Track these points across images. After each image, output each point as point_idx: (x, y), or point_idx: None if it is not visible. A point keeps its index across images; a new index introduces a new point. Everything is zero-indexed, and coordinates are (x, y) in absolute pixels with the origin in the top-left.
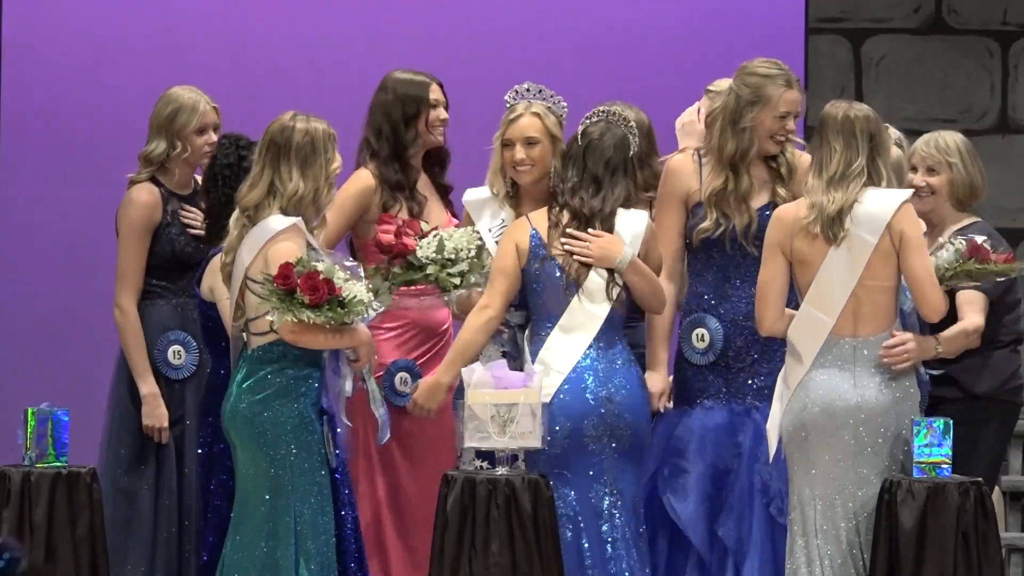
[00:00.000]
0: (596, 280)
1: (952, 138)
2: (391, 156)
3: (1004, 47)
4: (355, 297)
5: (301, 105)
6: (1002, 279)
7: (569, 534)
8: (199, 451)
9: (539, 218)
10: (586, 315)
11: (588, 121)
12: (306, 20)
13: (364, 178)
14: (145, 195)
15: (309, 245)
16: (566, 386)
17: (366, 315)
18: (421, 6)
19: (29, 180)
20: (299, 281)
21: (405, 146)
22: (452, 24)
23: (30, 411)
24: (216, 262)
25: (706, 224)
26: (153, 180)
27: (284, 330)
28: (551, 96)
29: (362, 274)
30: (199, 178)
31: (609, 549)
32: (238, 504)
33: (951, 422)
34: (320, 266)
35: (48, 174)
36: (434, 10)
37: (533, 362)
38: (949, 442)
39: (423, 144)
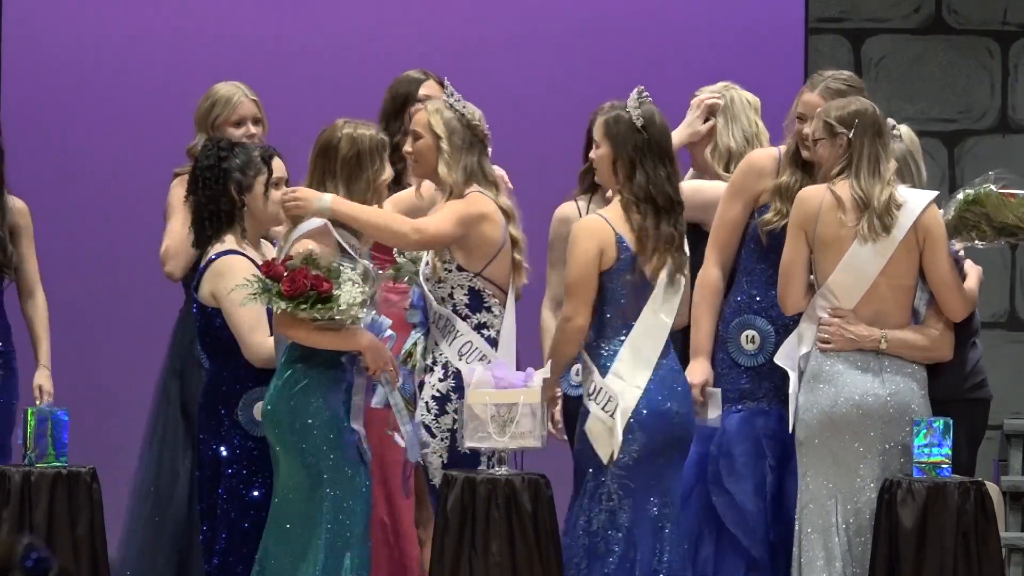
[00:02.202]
0: (667, 288)
1: None
2: None
3: (1004, 47)
4: (338, 297)
5: (300, 103)
6: (1015, 235)
7: (618, 548)
8: (210, 451)
9: (619, 220)
10: (659, 323)
11: (635, 107)
12: (309, 19)
13: None
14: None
15: (342, 248)
16: (645, 399)
17: (362, 319)
18: (423, 9)
19: (30, 181)
20: (285, 272)
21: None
22: (453, 28)
23: (30, 411)
24: (219, 266)
25: (768, 216)
26: None
27: (275, 320)
28: (452, 94)
29: (375, 276)
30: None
31: (657, 562)
32: (279, 500)
33: (951, 422)
34: (333, 266)
35: (49, 175)
36: (434, 14)
37: (605, 374)
38: (949, 442)
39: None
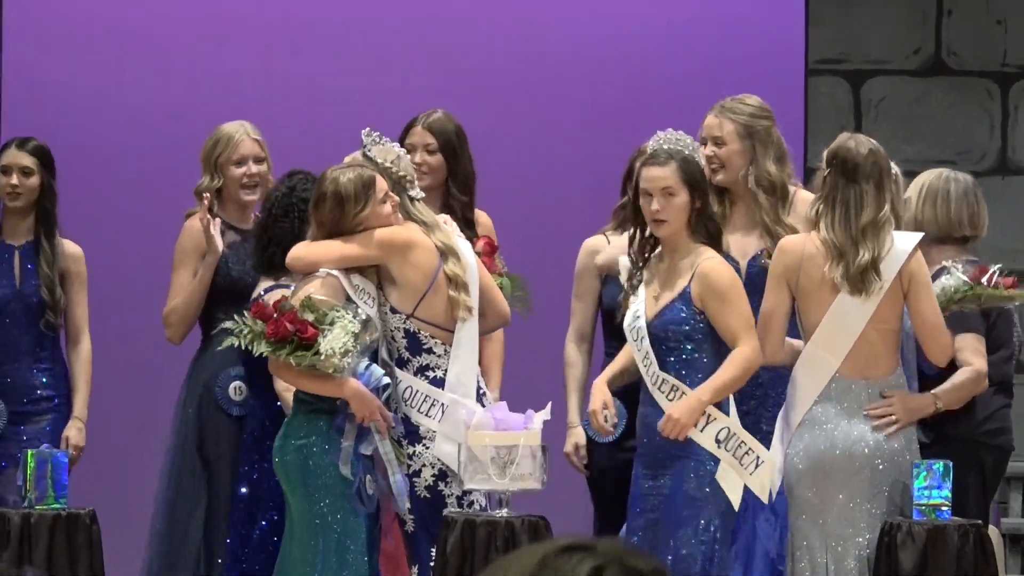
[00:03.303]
0: None
1: (923, 176)
2: None
3: (1004, 88)
4: (318, 345)
5: (315, 138)
6: (1012, 304)
7: None
8: (242, 490)
9: None
10: None
11: (693, 148)
12: (314, 35)
13: None
14: (195, 222)
15: (348, 297)
16: None
17: (345, 368)
18: (447, 44)
19: None
20: (275, 314)
21: None
22: (479, 61)
23: (29, 453)
24: (274, 297)
25: None
26: (209, 212)
27: (268, 362)
28: (370, 137)
29: (375, 331)
30: None
31: None
32: (288, 537)
33: (951, 464)
34: (331, 313)
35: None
36: (459, 49)
37: (728, 412)
38: (949, 485)
39: None
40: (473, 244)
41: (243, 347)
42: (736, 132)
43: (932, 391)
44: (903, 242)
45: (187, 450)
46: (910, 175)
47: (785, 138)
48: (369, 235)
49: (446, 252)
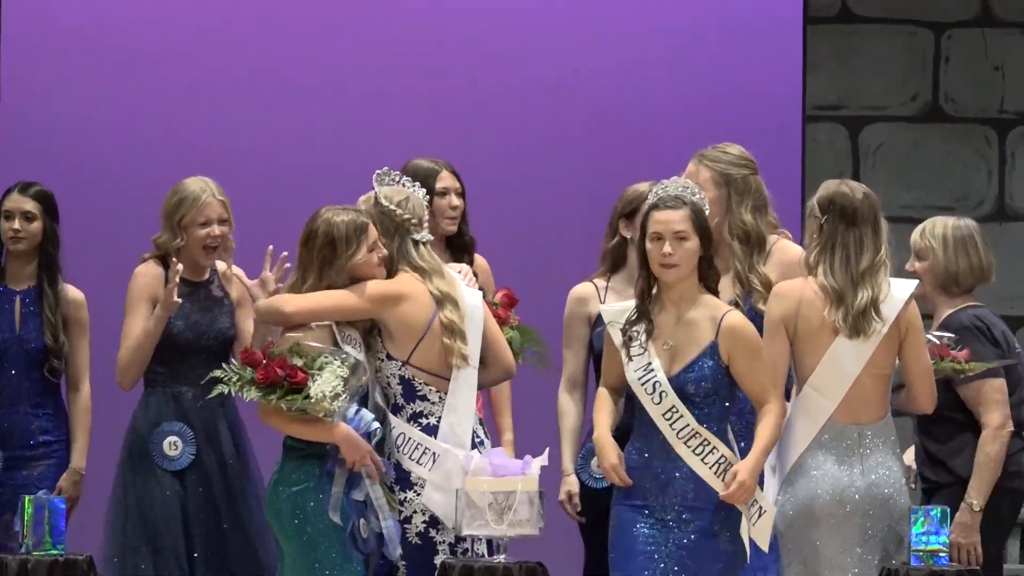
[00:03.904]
0: None
1: (938, 225)
2: None
3: (1001, 135)
4: (308, 388)
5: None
6: (967, 374)
7: None
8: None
9: None
10: None
11: (701, 197)
12: (311, 57)
13: None
14: (148, 268)
15: (336, 343)
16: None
17: (336, 412)
18: (428, 83)
19: None
20: (264, 360)
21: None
22: (463, 100)
23: (27, 499)
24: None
25: None
26: (161, 260)
27: (258, 408)
28: (385, 178)
29: (365, 374)
30: (220, 264)
31: None
32: None
33: (948, 510)
34: (319, 358)
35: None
36: (439, 84)
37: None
38: (947, 530)
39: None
40: (487, 292)
41: (230, 392)
42: (712, 180)
43: (965, 496)
44: (899, 290)
45: (129, 506)
46: (908, 221)
47: (783, 184)
48: (362, 288)
49: (443, 299)
